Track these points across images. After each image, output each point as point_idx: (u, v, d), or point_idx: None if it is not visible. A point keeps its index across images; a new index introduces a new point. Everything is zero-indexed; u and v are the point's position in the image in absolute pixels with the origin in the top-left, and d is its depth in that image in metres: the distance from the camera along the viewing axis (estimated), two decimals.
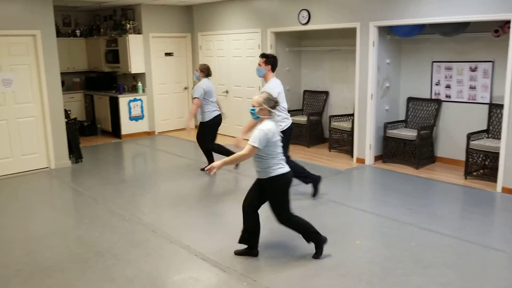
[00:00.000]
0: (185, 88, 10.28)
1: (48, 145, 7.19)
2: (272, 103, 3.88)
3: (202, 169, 6.79)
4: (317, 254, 4.08)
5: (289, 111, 8.45)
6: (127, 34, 9.24)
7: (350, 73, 7.97)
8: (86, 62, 10.43)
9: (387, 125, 7.10)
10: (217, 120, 6.71)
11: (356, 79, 7.10)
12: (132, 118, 9.50)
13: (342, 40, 7.98)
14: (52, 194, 6.21)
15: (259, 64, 5.36)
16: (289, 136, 5.55)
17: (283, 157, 3.97)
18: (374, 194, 5.91)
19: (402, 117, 7.44)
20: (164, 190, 6.19)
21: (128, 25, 9.29)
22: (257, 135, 3.75)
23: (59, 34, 9.41)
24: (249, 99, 8.93)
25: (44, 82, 7.02)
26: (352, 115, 7.52)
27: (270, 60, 5.32)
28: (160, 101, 9.91)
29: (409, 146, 6.88)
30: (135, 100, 9.51)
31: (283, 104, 5.34)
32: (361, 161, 7.20)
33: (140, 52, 9.39)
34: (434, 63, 7.01)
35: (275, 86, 5.25)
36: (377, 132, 7.13)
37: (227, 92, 9.41)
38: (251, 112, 3.90)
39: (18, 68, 6.84)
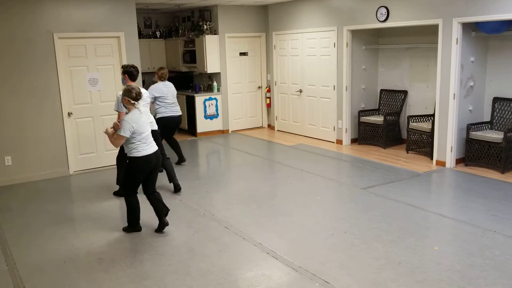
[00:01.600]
0: (259, 87, 10.37)
1: None
2: (131, 95, 4.44)
3: None
4: (128, 228, 4.78)
5: (364, 111, 8.43)
6: (204, 34, 9.48)
7: (431, 71, 7.64)
8: (165, 62, 10.83)
9: (471, 127, 6.73)
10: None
11: (438, 78, 6.79)
12: (207, 117, 9.73)
13: (423, 37, 7.67)
14: None
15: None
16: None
17: (145, 143, 4.48)
18: (455, 199, 5.62)
19: (487, 118, 7.01)
20: (236, 188, 6.27)
21: (205, 26, 9.53)
22: (123, 126, 4.38)
23: (140, 35, 9.87)
24: (323, 99, 8.85)
25: None
26: (432, 115, 7.20)
27: (125, 71, 5.58)
28: (234, 100, 10.07)
29: (495, 149, 6.47)
30: (210, 99, 9.73)
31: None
32: (441, 163, 6.87)
33: (216, 52, 9.60)
34: None
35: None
36: (459, 134, 6.77)
37: (300, 91, 9.37)
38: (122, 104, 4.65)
39: (103, 68, 7.24)
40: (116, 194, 6.03)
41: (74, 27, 6.90)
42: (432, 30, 7.03)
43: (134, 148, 4.46)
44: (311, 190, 5.97)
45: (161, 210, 4.75)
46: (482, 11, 6.07)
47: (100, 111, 7.29)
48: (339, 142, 8.62)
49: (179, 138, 9.65)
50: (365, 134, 8.41)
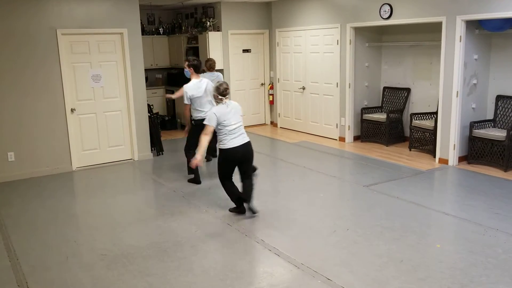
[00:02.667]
0: (262, 84, 10.37)
1: (132, 138, 7.56)
2: (219, 90, 4.79)
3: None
4: (233, 209, 5.11)
5: (367, 109, 8.41)
6: (207, 31, 9.48)
7: (434, 69, 7.62)
8: (168, 58, 10.83)
9: (474, 124, 6.71)
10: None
11: (441, 76, 6.77)
12: None
13: (426, 34, 7.65)
14: (135, 185, 6.53)
15: (184, 67, 6.14)
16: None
17: (232, 135, 4.80)
18: (458, 197, 5.61)
19: (490, 116, 7.00)
20: (238, 185, 6.27)
21: (208, 23, 9.52)
22: (208, 116, 4.82)
23: (144, 32, 9.87)
24: (326, 96, 8.84)
25: (130, 78, 7.39)
26: (435, 113, 7.18)
27: (191, 64, 5.95)
28: (237, 97, 10.04)
29: (498, 147, 6.46)
30: None
31: (200, 100, 6.03)
32: (444, 161, 6.86)
33: (219, 49, 9.59)
34: None
35: (188, 86, 5.96)
36: (462, 132, 6.76)
37: (303, 88, 9.36)
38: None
39: (106, 64, 7.24)
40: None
41: (77, 23, 6.90)
42: (435, 28, 7.01)
43: (221, 141, 4.83)
44: (314, 188, 5.97)
45: (243, 198, 4.98)
46: (486, 9, 6.05)
47: (103, 107, 7.30)
48: (342, 139, 8.62)
49: (182, 134, 9.65)
50: (367, 132, 8.40)
